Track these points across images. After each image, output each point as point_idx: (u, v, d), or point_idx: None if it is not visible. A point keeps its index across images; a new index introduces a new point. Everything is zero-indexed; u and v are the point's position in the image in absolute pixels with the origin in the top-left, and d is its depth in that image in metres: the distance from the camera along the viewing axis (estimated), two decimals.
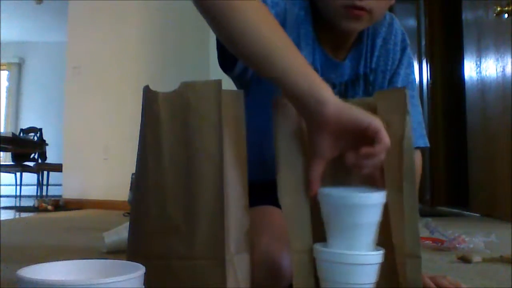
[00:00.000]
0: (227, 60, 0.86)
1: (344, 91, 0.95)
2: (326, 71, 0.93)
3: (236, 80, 0.97)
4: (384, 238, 0.66)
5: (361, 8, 0.81)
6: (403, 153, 0.64)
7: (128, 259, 0.61)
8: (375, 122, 0.61)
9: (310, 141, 0.65)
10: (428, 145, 0.99)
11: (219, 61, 0.89)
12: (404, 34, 0.99)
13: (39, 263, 0.49)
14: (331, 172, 0.67)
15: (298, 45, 0.89)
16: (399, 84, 0.97)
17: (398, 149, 0.65)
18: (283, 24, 0.88)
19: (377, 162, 0.63)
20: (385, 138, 0.61)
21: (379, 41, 0.96)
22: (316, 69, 0.88)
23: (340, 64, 0.94)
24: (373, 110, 0.67)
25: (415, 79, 1.01)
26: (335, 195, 0.62)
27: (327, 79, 0.91)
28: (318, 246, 0.64)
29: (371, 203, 0.61)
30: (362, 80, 0.96)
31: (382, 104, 0.68)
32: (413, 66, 1.01)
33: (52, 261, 0.51)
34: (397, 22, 0.98)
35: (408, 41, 0.99)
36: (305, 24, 0.91)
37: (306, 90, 0.62)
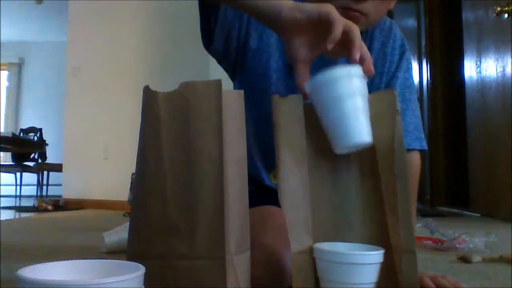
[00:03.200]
0: (207, 37, 0.91)
1: None
2: (318, 67, 0.93)
3: (222, 63, 0.98)
4: (382, 239, 0.66)
5: (357, 11, 0.82)
6: (394, 153, 0.65)
7: (128, 259, 0.61)
8: (323, 8, 0.64)
9: (286, 49, 0.69)
10: (425, 148, 1.00)
11: (203, 41, 0.92)
12: (403, 39, 1.00)
13: (39, 263, 0.49)
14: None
15: None
16: (397, 87, 0.97)
17: (390, 149, 0.65)
18: None
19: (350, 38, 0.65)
20: (336, 20, 0.63)
21: (376, 44, 0.97)
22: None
23: (334, 62, 0.93)
24: None
25: (413, 83, 1.02)
26: None
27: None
28: (318, 246, 0.64)
29: None
30: None
31: (373, 107, 0.68)
32: (411, 70, 1.01)
33: (52, 261, 0.51)
34: (396, 28, 0.99)
35: (407, 47, 0.99)
36: None
37: (266, 4, 0.68)
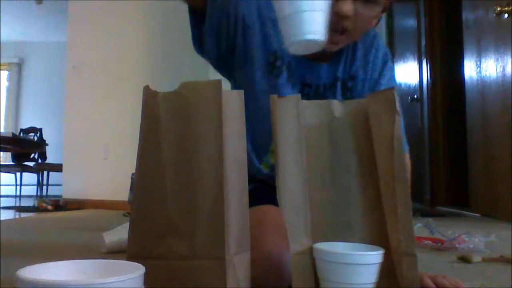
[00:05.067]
0: (199, 42, 0.93)
1: (322, 93, 1.00)
2: (301, 70, 0.98)
3: (217, 67, 1.01)
4: (382, 239, 0.66)
5: (341, 29, 0.87)
6: (394, 153, 0.65)
7: (128, 259, 0.61)
8: None
9: None
10: (407, 150, 1.03)
11: (195, 47, 0.95)
12: (386, 49, 1.05)
13: (39, 263, 0.49)
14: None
15: (270, 39, 0.95)
16: None
17: (389, 150, 0.65)
18: (258, 21, 0.95)
19: None
20: None
21: (360, 53, 1.02)
22: (291, 67, 0.95)
23: (317, 66, 0.99)
24: (366, 111, 0.69)
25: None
26: None
27: (301, 78, 0.97)
28: (318, 246, 0.64)
29: None
30: (340, 85, 1.01)
31: (373, 106, 0.69)
32: (395, 79, 1.07)
33: (52, 261, 0.51)
34: (380, 38, 1.05)
35: (390, 56, 1.05)
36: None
37: None
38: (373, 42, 1.02)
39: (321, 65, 0.99)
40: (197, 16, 0.90)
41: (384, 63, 1.03)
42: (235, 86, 1.01)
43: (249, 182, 0.66)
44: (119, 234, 1.43)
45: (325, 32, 0.63)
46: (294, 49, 0.64)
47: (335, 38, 0.87)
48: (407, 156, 1.02)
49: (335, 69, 1.00)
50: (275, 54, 0.96)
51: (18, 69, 7.44)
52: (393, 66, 1.05)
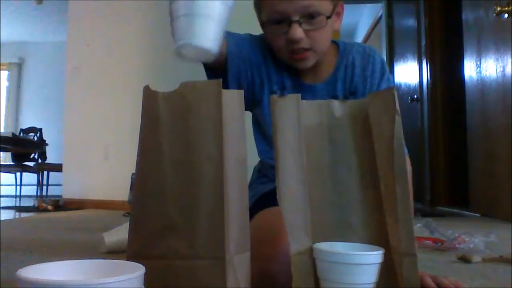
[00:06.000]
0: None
1: None
2: (301, 92, 1.01)
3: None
4: (382, 239, 0.66)
5: (302, 50, 0.94)
6: (394, 153, 0.65)
7: (128, 259, 0.61)
8: None
9: None
10: (407, 152, 1.05)
11: None
12: (383, 63, 1.09)
13: (39, 263, 0.49)
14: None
15: (273, 71, 1.04)
16: None
17: (389, 149, 0.65)
18: (262, 58, 1.04)
19: None
20: None
21: (357, 70, 1.06)
22: (291, 91, 1.03)
23: (312, 87, 1.05)
24: (366, 111, 0.69)
25: None
26: None
27: (302, 99, 1.02)
28: (318, 246, 0.64)
29: None
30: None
31: (373, 106, 0.69)
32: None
33: (52, 261, 0.51)
34: (375, 53, 1.09)
35: (386, 69, 1.10)
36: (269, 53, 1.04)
37: None
38: (369, 59, 1.07)
39: (317, 85, 1.04)
40: (213, 71, 1.01)
41: (381, 76, 1.07)
42: (253, 117, 1.11)
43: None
44: (119, 234, 1.43)
45: (216, 43, 0.62)
46: (183, 53, 0.64)
47: (302, 56, 0.95)
48: (407, 158, 1.04)
49: (333, 88, 1.05)
50: (277, 82, 1.05)
51: (18, 69, 7.44)
52: (391, 76, 1.10)
